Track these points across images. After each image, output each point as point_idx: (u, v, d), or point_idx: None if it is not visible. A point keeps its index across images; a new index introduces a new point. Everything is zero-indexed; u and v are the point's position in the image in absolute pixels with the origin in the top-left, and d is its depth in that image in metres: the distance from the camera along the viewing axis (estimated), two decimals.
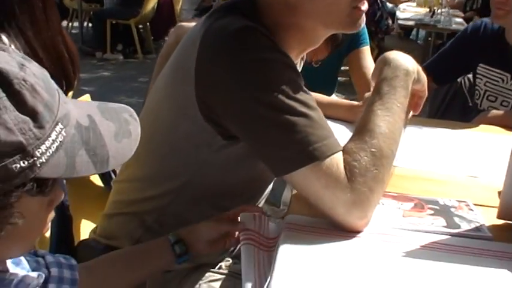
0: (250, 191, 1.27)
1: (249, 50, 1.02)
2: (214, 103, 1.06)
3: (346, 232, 1.01)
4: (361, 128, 1.05)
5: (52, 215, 0.73)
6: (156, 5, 7.35)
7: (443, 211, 1.12)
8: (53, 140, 0.64)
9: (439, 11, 6.12)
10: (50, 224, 0.74)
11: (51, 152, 0.63)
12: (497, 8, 1.93)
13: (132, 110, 0.79)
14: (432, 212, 1.12)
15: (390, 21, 5.54)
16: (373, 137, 1.03)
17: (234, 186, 1.20)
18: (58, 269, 0.87)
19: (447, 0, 7.96)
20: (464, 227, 1.06)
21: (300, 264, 0.91)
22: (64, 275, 0.87)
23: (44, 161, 0.63)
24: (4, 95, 0.60)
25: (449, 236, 1.03)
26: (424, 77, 1.19)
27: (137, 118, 0.78)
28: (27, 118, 0.61)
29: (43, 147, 0.62)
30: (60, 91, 0.68)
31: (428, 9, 5.96)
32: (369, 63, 2.12)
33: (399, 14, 5.86)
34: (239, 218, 1.10)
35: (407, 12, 5.93)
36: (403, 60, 1.15)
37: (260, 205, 1.34)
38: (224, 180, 1.18)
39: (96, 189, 1.53)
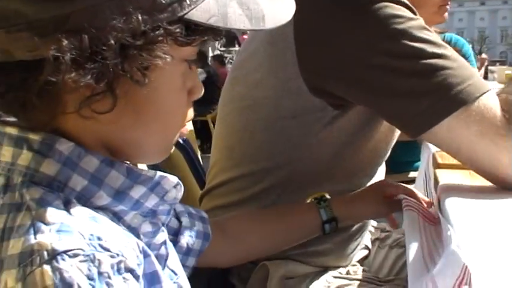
0: (367, 169, 1.09)
1: None
2: (323, 64, 0.91)
3: None
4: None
5: (191, 113, 0.63)
6: None
7: None
8: None
9: None
10: (187, 127, 0.62)
11: None
12: None
13: None
14: None
15: None
16: None
17: (349, 166, 1.03)
18: (189, 219, 0.75)
19: None
20: None
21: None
22: (196, 227, 0.75)
23: None
24: None
25: None
26: None
27: None
28: None
29: None
30: None
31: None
32: None
33: None
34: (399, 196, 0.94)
35: None
36: None
37: None
38: (338, 161, 1.01)
39: None
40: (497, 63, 14.98)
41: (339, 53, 0.88)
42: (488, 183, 0.86)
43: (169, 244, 0.65)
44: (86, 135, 0.55)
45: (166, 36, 0.52)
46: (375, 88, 0.87)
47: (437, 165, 1.04)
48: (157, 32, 0.51)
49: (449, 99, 0.81)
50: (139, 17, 0.49)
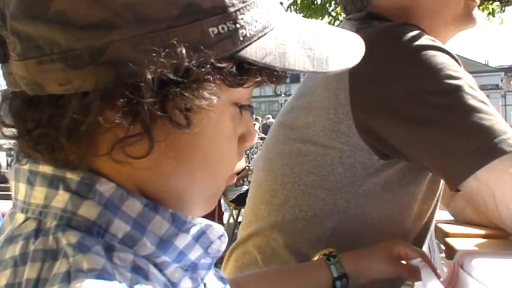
0: (419, 224, 1.05)
1: (410, 39, 0.91)
2: (373, 100, 0.92)
3: None
4: None
5: (242, 163, 0.58)
6: None
7: None
8: (260, 13, 0.48)
9: None
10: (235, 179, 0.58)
11: (257, 28, 0.48)
12: None
13: None
14: None
15: None
16: None
17: (398, 220, 1.00)
18: (212, 278, 0.70)
19: None
20: None
21: None
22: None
23: (248, 35, 0.47)
24: None
25: None
26: None
27: None
28: None
29: (248, 16, 0.47)
30: None
31: None
32: None
33: None
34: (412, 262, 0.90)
35: None
36: None
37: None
38: (386, 213, 0.99)
39: None
40: None
41: (391, 89, 0.90)
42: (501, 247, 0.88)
43: None
44: (122, 181, 0.49)
45: (213, 75, 0.46)
46: (424, 126, 0.87)
47: (445, 235, 1.06)
48: (203, 70, 0.45)
49: (498, 143, 0.82)
50: (183, 51, 0.44)
